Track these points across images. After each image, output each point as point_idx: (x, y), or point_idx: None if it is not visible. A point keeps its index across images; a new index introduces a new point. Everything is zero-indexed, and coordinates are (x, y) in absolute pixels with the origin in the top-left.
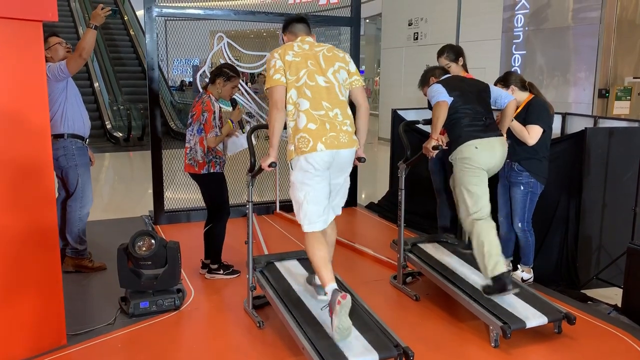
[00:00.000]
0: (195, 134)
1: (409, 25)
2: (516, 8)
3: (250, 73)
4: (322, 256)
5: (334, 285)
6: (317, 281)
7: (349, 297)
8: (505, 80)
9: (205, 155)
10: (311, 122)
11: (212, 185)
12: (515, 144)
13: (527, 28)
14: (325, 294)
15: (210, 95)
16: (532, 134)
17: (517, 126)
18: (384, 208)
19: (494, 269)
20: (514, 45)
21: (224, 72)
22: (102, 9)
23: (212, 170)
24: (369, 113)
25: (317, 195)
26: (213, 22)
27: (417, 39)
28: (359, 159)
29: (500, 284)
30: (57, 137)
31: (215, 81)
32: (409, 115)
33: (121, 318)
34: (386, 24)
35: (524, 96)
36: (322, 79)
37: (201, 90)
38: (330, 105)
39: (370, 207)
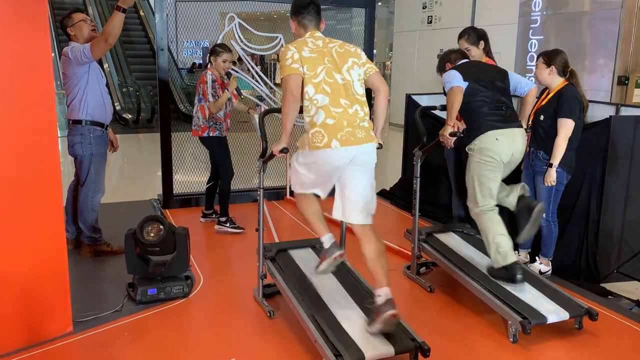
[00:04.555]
0: (196, 103)
1: (423, 8)
2: None
3: (261, 55)
4: (314, 211)
5: (331, 237)
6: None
7: (344, 255)
8: (550, 57)
9: (207, 120)
10: (329, 117)
11: (214, 147)
12: (544, 133)
13: (544, 12)
14: (321, 243)
15: (209, 71)
16: (565, 130)
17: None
18: (396, 195)
19: (503, 259)
20: (531, 30)
21: (214, 50)
22: None
23: (211, 134)
24: (388, 96)
25: (318, 181)
26: (223, 4)
27: (431, 22)
28: None
29: (509, 273)
30: (75, 122)
31: (210, 59)
32: (423, 101)
33: (128, 305)
34: (400, 7)
35: (559, 81)
36: (339, 76)
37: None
38: (349, 102)
39: (382, 194)
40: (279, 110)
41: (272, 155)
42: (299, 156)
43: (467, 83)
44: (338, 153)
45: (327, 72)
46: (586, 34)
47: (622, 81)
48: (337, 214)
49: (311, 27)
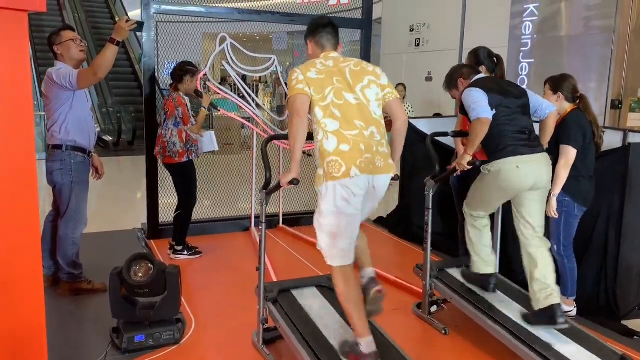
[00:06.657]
0: (172, 128)
1: (411, 31)
2: (524, 15)
3: (243, 75)
4: (353, 298)
5: (371, 343)
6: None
7: None
8: (557, 84)
9: (184, 145)
10: (343, 143)
11: (188, 173)
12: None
13: (535, 36)
14: (357, 343)
15: (179, 92)
16: (566, 158)
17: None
18: (394, 223)
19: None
20: (522, 53)
21: (190, 70)
22: (127, 21)
23: (190, 157)
24: (407, 125)
25: (350, 227)
26: (205, 25)
27: (418, 45)
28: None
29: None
30: (55, 147)
31: (184, 79)
32: (420, 125)
33: (112, 354)
34: (386, 29)
35: (566, 107)
36: (351, 96)
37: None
38: (364, 123)
39: (379, 221)
40: (285, 137)
41: (278, 187)
42: (321, 206)
43: (494, 111)
44: (359, 181)
45: (336, 94)
46: (578, 58)
47: (616, 105)
48: None
49: (329, 47)
